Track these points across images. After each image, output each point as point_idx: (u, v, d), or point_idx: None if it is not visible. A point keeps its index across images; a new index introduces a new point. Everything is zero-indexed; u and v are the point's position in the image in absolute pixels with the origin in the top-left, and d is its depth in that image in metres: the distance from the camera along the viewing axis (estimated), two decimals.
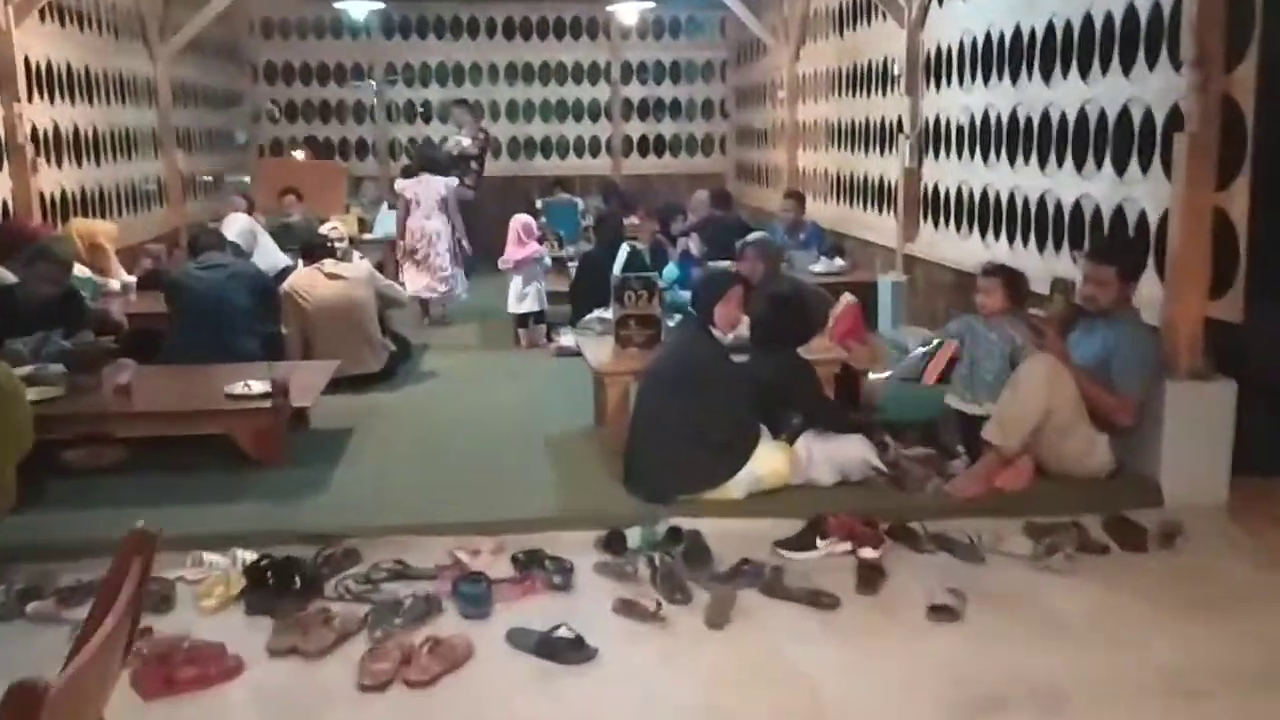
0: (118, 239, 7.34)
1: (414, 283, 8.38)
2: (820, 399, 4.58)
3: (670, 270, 8.41)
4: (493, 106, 12.82)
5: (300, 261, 6.69)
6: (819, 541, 3.95)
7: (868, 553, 3.88)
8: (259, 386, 4.79)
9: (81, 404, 4.68)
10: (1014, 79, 5.93)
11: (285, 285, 6.33)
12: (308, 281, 6.30)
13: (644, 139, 13.16)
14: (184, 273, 6.12)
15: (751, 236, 5.74)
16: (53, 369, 4.90)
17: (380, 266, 10.15)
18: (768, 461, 4.33)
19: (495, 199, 11.81)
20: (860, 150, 8.54)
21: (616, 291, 5.03)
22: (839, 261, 8.28)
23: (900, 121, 7.49)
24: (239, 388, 4.81)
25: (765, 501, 4.30)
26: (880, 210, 8.13)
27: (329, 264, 6.39)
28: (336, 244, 7.17)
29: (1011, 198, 5.97)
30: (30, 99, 6.91)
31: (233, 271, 6.10)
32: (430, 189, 8.49)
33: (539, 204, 11.94)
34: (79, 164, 7.70)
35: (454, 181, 8.84)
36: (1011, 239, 5.99)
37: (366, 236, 10.40)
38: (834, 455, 4.41)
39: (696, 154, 13.31)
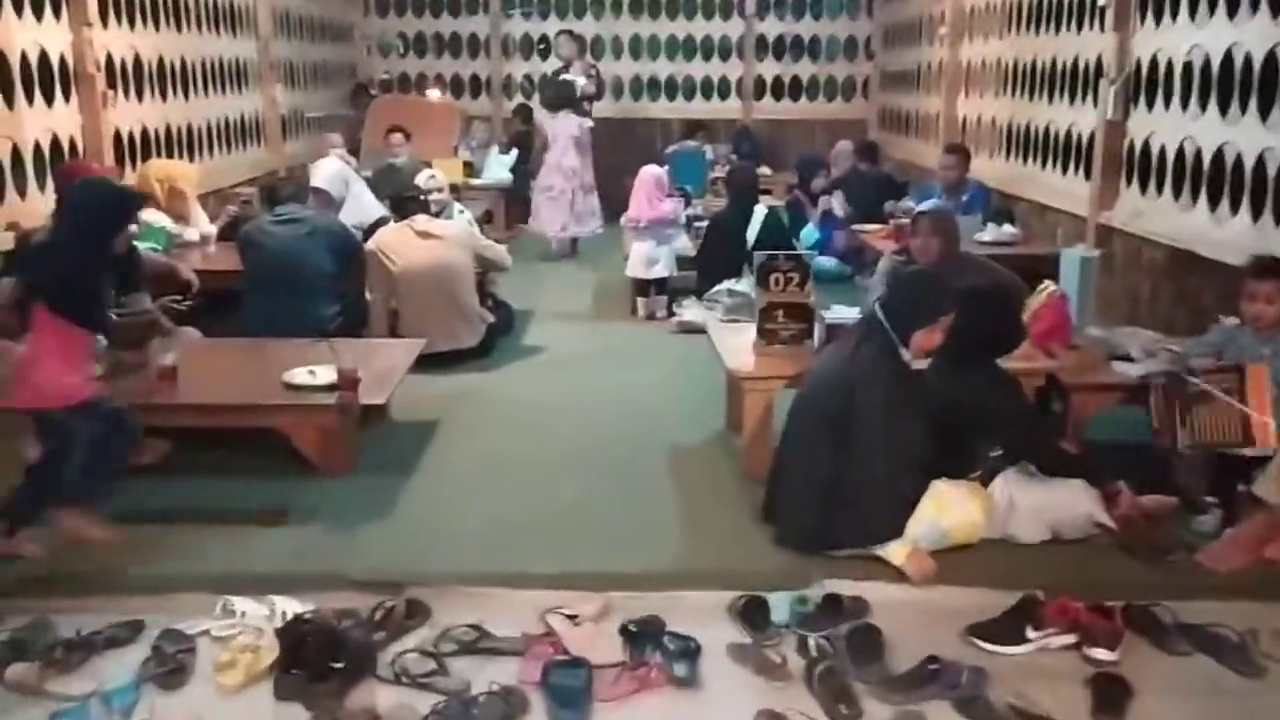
0: (199, 182, 6.62)
1: (548, 220, 8.80)
2: (1027, 427, 3.52)
3: (809, 233, 7.37)
4: (614, 42, 11.80)
5: (394, 214, 5.86)
6: (1030, 632, 2.95)
7: (1101, 654, 2.86)
8: (324, 375, 3.97)
9: (119, 388, 3.91)
10: (1275, 10, 4.67)
11: (371, 243, 5.50)
12: (396, 240, 5.46)
13: (778, 80, 11.97)
14: (257, 227, 5.34)
15: (927, 205, 4.67)
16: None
17: (489, 217, 9.40)
18: (956, 509, 3.32)
19: (609, 145, 10.87)
20: (1042, 97, 7.27)
21: (760, 272, 4.04)
22: (1009, 229, 7.07)
23: (1101, 63, 6.22)
24: (300, 375, 4.00)
25: (952, 563, 3.29)
26: (1066, 169, 6.88)
27: (421, 220, 5.52)
28: (435, 195, 6.29)
29: (1260, 163, 4.75)
30: (105, 23, 6.19)
31: (312, 227, 5.30)
32: (567, 125, 8.70)
33: (670, 150, 10.97)
34: (163, 98, 6.99)
35: (589, 121, 8.88)
36: (1257, 214, 4.77)
37: (474, 182, 9.59)
38: (1044, 505, 3.37)
39: (836, 98, 12.06)
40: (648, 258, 6.42)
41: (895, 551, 3.25)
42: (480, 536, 3.54)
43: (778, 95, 12.01)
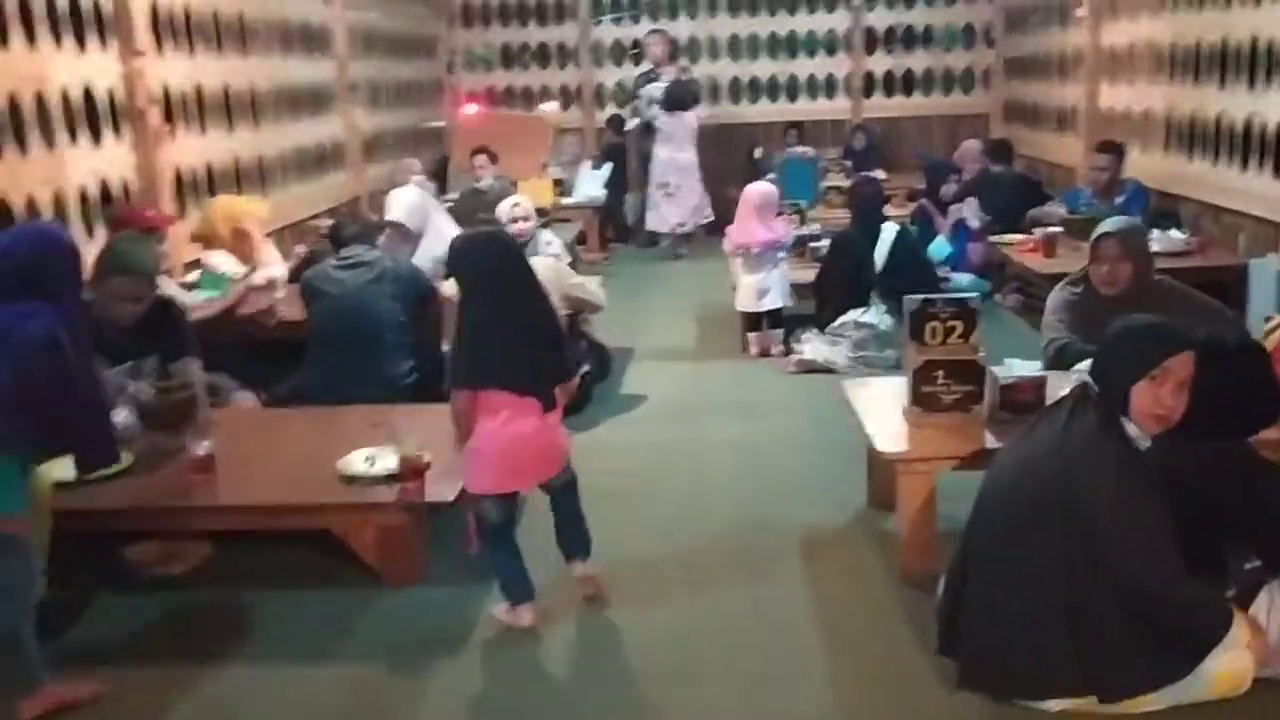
0: (268, 218, 6.07)
1: (664, 218, 9.12)
2: None
3: (939, 246, 6.50)
4: (710, 43, 11.04)
5: None
6: None
7: None
8: (384, 461, 3.31)
9: (148, 484, 3.32)
10: None
11: (445, 287, 4.83)
12: None
13: (889, 75, 11.05)
14: (320, 273, 4.73)
15: (1112, 224, 3.79)
16: (123, 421, 3.58)
17: (582, 238, 8.74)
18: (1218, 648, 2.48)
19: (708, 152, 10.15)
20: (1211, 83, 6.27)
21: (914, 322, 3.24)
22: (1176, 234, 6.11)
23: None
24: (357, 463, 3.35)
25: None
26: (1246, 165, 5.89)
27: None
28: (520, 225, 5.63)
29: None
30: (160, 52, 5.68)
31: (380, 271, 4.67)
32: (683, 121, 9.10)
33: (757, 154, 10.21)
34: (229, 128, 6.48)
35: (704, 112, 9.35)
36: None
37: (565, 201, 8.95)
38: None
39: (954, 91, 11.08)
40: (758, 289, 5.64)
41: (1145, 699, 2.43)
42: (573, 684, 2.82)
43: (889, 91, 11.09)
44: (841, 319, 5.34)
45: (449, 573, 3.35)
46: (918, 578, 3.07)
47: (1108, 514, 2.41)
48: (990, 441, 3.07)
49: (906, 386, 3.25)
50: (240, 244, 5.80)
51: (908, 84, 11.07)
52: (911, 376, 3.19)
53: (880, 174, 9.88)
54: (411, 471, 3.21)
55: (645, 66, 9.98)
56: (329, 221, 7.15)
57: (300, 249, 6.22)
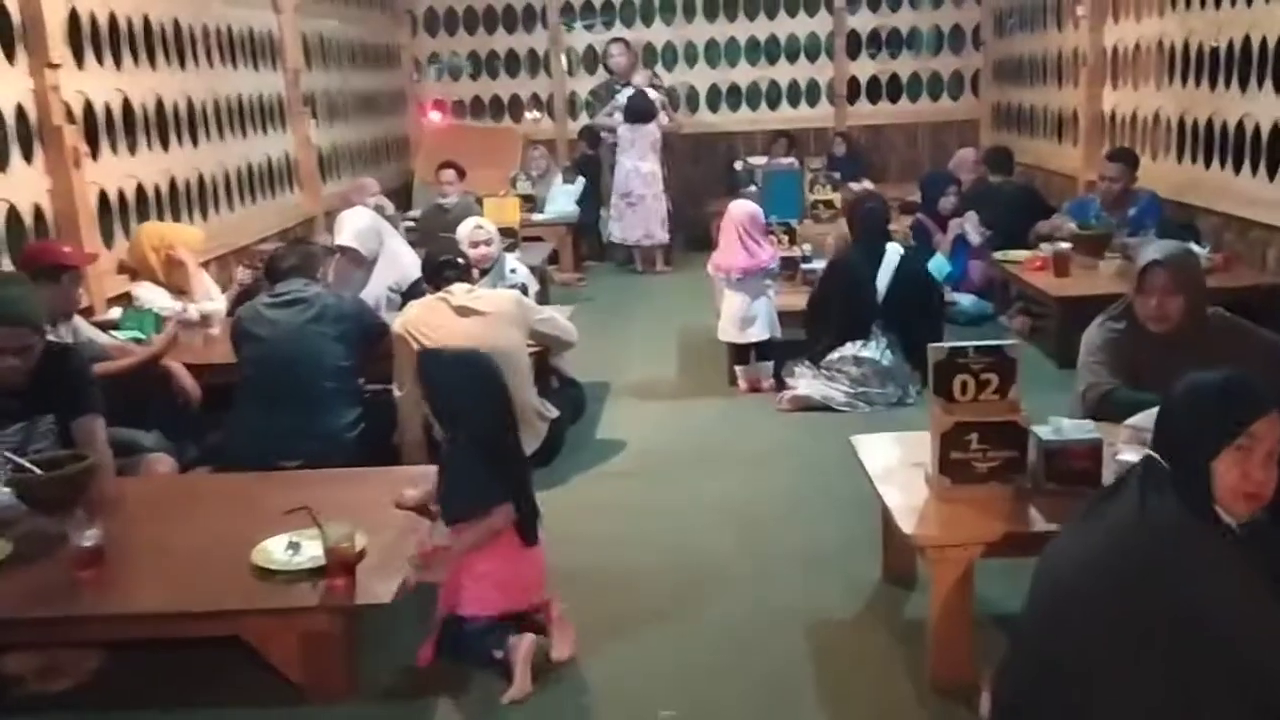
0: (202, 245, 5.49)
1: (627, 229, 8.80)
2: None
3: (939, 264, 5.99)
4: (687, 49, 10.52)
5: (425, 284, 4.64)
6: None
7: None
8: (310, 549, 2.76)
9: (24, 584, 2.74)
10: None
11: (397, 324, 4.29)
12: (428, 319, 4.24)
13: (874, 80, 10.57)
14: (252, 311, 4.17)
15: (1161, 250, 3.26)
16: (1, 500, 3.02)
17: (554, 257, 8.19)
18: None
19: (683, 164, 9.67)
20: (1231, 85, 5.80)
21: (939, 375, 2.71)
22: (1196, 250, 5.60)
23: None
24: (277, 552, 2.78)
25: None
26: (1274, 175, 5.41)
27: (460, 292, 4.30)
28: (482, 251, 5.08)
29: None
30: (80, 64, 5.11)
31: (321, 308, 4.12)
32: (644, 131, 8.74)
33: (737, 165, 9.71)
34: (164, 146, 5.90)
35: (665, 119, 8.93)
36: None
37: (536, 218, 8.40)
38: None
39: (941, 96, 10.61)
40: (742, 316, 5.10)
41: None
42: None
43: (874, 97, 10.61)
44: (839, 352, 4.81)
45: (387, 684, 2.80)
46: (951, 686, 2.55)
47: (1237, 627, 1.88)
48: (1038, 522, 2.54)
49: (932, 451, 2.72)
50: (173, 275, 5.24)
51: (893, 89, 10.59)
52: (939, 441, 2.66)
53: (867, 184, 9.44)
54: (340, 566, 2.65)
55: (606, 77, 9.54)
56: (274, 248, 6.63)
57: (242, 275, 5.62)
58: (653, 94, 8.87)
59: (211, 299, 5.33)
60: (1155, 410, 2.88)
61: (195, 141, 6.26)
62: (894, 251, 4.89)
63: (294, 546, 2.80)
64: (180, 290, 5.21)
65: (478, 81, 10.81)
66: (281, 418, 3.95)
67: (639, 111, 8.87)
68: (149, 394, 4.37)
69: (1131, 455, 2.74)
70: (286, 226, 7.35)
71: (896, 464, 2.96)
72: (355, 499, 3.15)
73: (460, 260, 4.43)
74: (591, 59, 10.66)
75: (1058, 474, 2.64)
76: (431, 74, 10.86)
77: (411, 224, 8.01)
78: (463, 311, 4.23)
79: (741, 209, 5.13)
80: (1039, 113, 8.99)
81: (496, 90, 10.73)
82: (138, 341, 4.52)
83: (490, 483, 2.79)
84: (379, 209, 6.48)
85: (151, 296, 5.13)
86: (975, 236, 6.28)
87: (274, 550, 2.78)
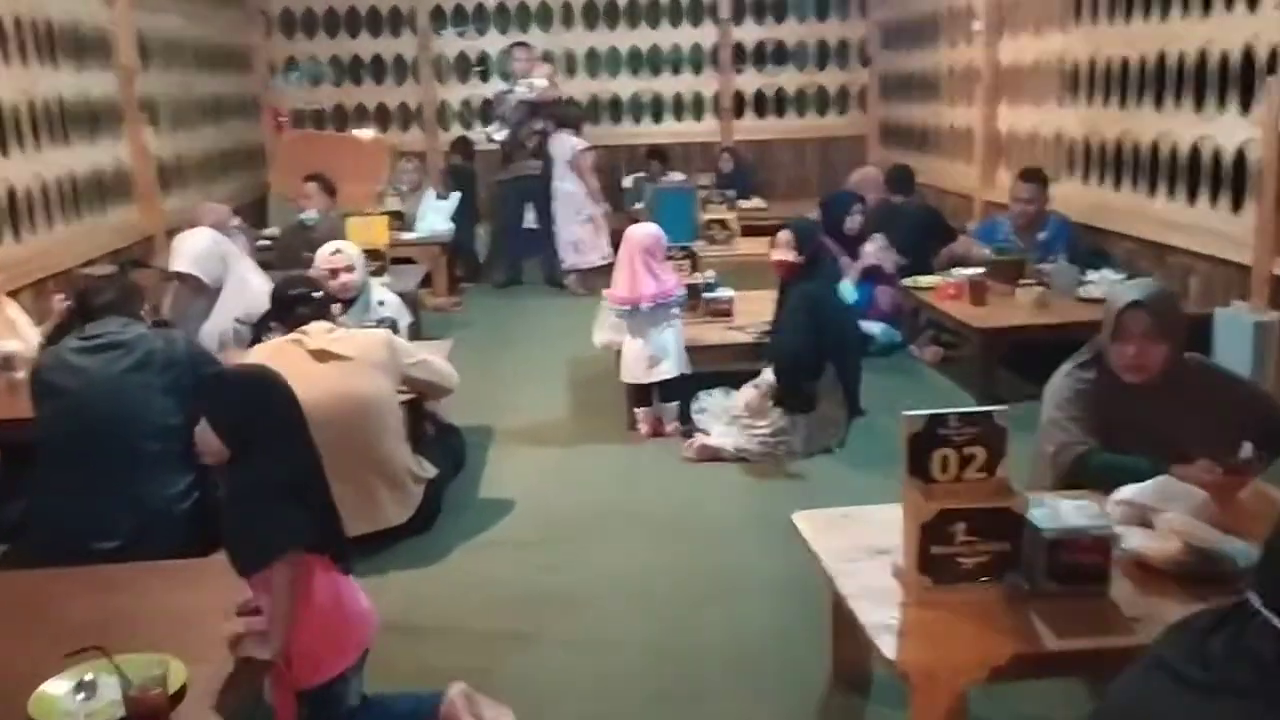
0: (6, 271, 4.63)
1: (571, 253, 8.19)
2: None
3: (846, 291, 5.57)
4: (566, 58, 9.98)
5: (273, 323, 3.94)
6: None
7: None
8: (107, 691, 2.07)
9: None
10: None
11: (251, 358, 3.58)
12: (278, 366, 3.53)
13: (760, 94, 10.21)
14: (55, 360, 3.40)
15: (1140, 289, 2.78)
16: None
17: (427, 279, 7.51)
18: None
19: None
20: (1144, 103, 5.55)
21: (916, 446, 2.20)
22: (1111, 275, 5.34)
23: (1271, 56, 4.52)
24: (64, 700, 2.09)
25: None
26: (1194, 198, 5.16)
27: (317, 333, 3.63)
28: (344, 279, 4.41)
29: None
30: None
31: (144, 354, 3.37)
32: (562, 146, 8.17)
33: (626, 183, 9.21)
34: None
35: (582, 143, 8.26)
36: None
37: (406, 237, 7.70)
38: None
39: (828, 112, 10.32)
40: (649, 355, 4.53)
41: None
42: None
43: (760, 111, 10.26)
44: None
45: None
46: None
47: None
48: (1048, 637, 2.05)
49: (907, 544, 2.21)
50: None
51: (779, 104, 10.25)
52: (918, 533, 2.16)
53: (759, 201, 9.06)
54: (146, 713, 1.98)
55: (498, 84, 8.87)
56: (105, 270, 5.80)
57: (61, 302, 4.78)
58: (542, 84, 8.21)
59: (15, 335, 4.51)
60: (1153, 483, 2.46)
61: (4, 149, 5.39)
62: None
63: (86, 689, 2.10)
64: None
65: (340, 88, 10.04)
66: (93, 489, 3.21)
67: (557, 119, 8.34)
68: None
69: (1137, 540, 2.29)
70: (120, 246, 6.50)
71: (853, 549, 2.45)
72: (180, 604, 2.49)
73: (316, 294, 3.75)
74: (464, 66, 10.01)
75: (1061, 571, 2.16)
76: (290, 79, 10.03)
77: (268, 243, 7.24)
78: (320, 356, 3.56)
79: (642, 233, 4.57)
80: (930, 130, 8.75)
81: (361, 98, 9.98)
82: None
83: (295, 521, 2.25)
84: (239, 233, 5.73)
85: None
86: (888, 264, 5.88)
87: (58, 697, 2.09)
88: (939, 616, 2.13)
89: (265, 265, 6.10)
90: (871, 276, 5.89)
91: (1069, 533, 2.17)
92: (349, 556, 2.42)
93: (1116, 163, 5.85)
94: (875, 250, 5.76)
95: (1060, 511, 2.23)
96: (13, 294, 5.01)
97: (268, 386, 2.42)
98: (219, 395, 2.41)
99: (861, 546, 2.45)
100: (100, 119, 6.53)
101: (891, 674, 2.05)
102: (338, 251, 4.49)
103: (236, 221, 6.41)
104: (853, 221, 5.95)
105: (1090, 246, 5.80)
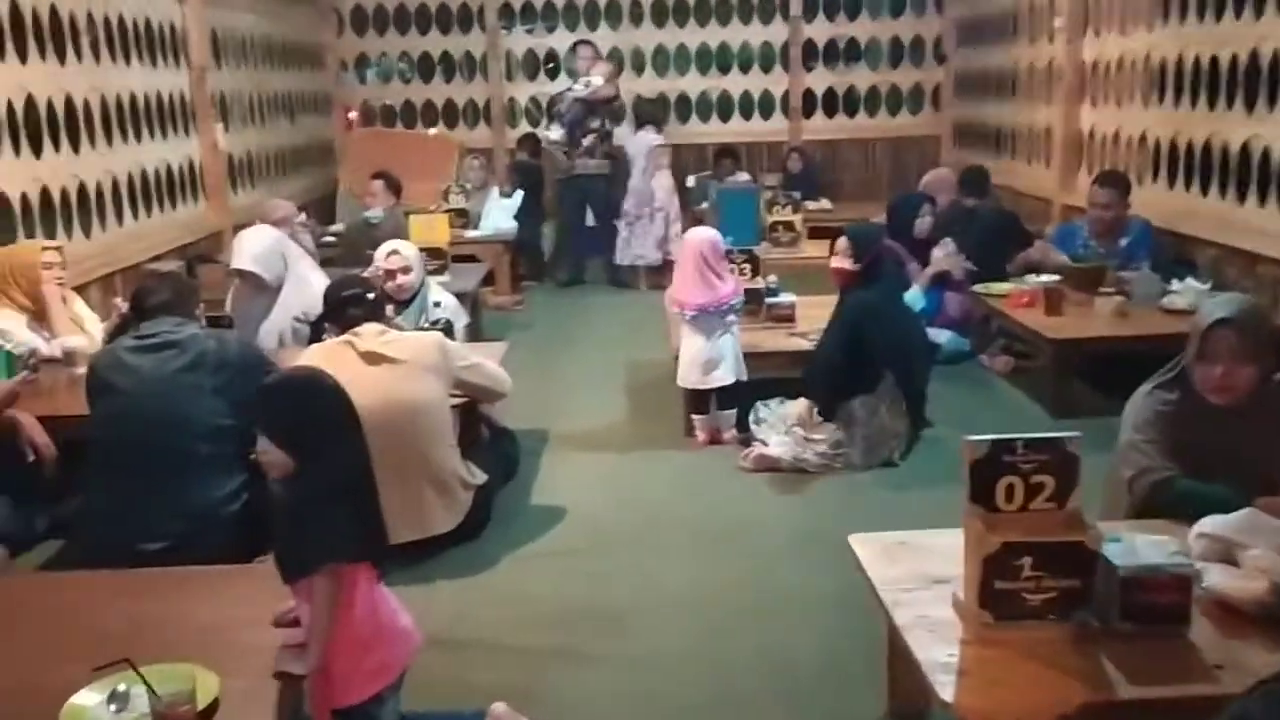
0: (49, 269, 4.54)
1: (622, 251, 8.28)
2: None
3: (914, 297, 5.41)
4: (634, 56, 9.89)
5: (326, 324, 3.91)
6: None
7: None
8: (140, 704, 2.03)
9: None
10: None
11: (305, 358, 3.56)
12: (328, 368, 3.48)
13: (830, 93, 10.02)
14: (109, 359, 3.41)
15: (1227, 306, 2.57)
16: None
17: (490, 278, 7.49)
18: None
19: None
20: (1238, 105, 5.28)
21: (978, 474, 2.07)
22: (1195, 284, 5.09)
23: None
24: (96, 708, 2.05)
25: None
26: None
27: (369, 335, 3.58)
28: (400, 281, 4.37)
29: None
30: None
31: (197, 353, 3.36)
32: (640, 143, 8.28)
33: (689, 182, 9.10)
34: (34, 152, 5.09)
35: (657, 139, 8.37)
36: None
37: (471, 235, 7.69)
38: None
39: (900, 111, 10.09)
40: (705, 359, 4.42)
41: None
42: None
43: (830, 111, 10.06)
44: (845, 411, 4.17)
45: None
46: None
47: None
48: (1120, 684, 1.91)
49: (968, 576, 2.08)
50: (33, 301, 4.46)
51: (850, 103, 10.05)
52: (980, 567, 2.02)
53: (825, 203, 8.89)
54: None
55: (565, 82, 8.80)
56: (172, 265, 5.86)
57: (121, 305, 4.82)
58: (598, 81, 8.18)
59: (82, 331, 4.55)
60: (1239, 515, 2.30)
61: (75, 146, 5.46)
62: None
63: (118, 700, 2.06)
64: (38, 318, 4.44)
65: (409, 85, 10.08)
66: (142, 490, 3.20)
67: (636, 117, 8.49)
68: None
69: (1219, 578, 2.13)
70: (188, 242, 6.58)
71: (911, 578, 2.32)
72: (218, 612, 2.45)
73: (370, 294, 3.71)
74: (532, 64, 9.99)
75: (1136, 610, 2.01)
76: (365, 76, 10.09)
77: (333, 239, 7.28)
78: (371, 358, 3.51)
79: (700, 236, 4.45)
80: (1007, 130, 8.49)
81: (429, 95, 10.00)
82: None
83: (343, 529, 2.17)
84: (304, 231, 5.73)
85: (8, 328, 4.35)
86: (958, 271, 5.69)
87: (89, 708, 2.05)
88: (1001, 656, 2.00)
89: (329, 262, 6.14)
90: (940, 282, 5.70)
91: (1146, 570, 2.02)
92: (387, 565, 2.34)
93: (1204, 166, 5.59)
94: (944, 255, 5.57)
95: (1136, 546, 2.08)
96: (82, 288, 5.08)
97: (317, 389, 2.34)
98: (270, 406, 2.34)
99: (920, 575, 2.33)
100: (171, 116, 6.60)
101: (949, 716, 1.92)
102: (395, 253, 4.45)
103: (301, 219, 6.43)
104: (922, 224, 5.77)
105: (1175, 254, 5.55)
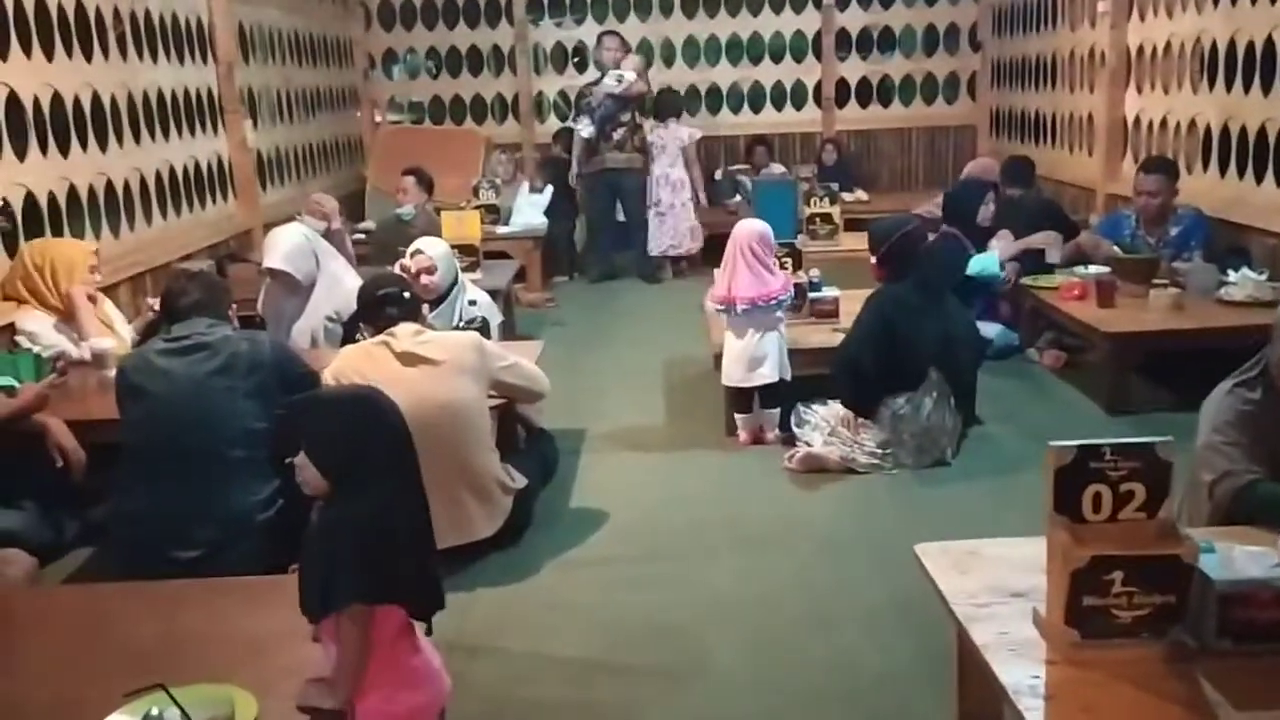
0: (86, 265, 4.47)
1: (654, 240, 8.22)
2: None
3: (987, 261, 5.29)
4: (664, 47, 9.75)
5: (361, 324, 3.80)
6: None
7: None
8: None
9: None
10: None
11: (327, 374, 3.46)
12: (364, 369, 3.41)
13: (864, 82, 9.84)
14: (140, 362, 3.32)
15: None
16: None
17: (520, 274, 7.38)
18: None
19: None
20: None
21: (1064, 480, 1.93)
22: (1251, 275, 4.92)
23: None
24: None
25: None
26: None
27: (404, 335, 3.48)
28: (425, 281, 4.26)
29: None
30: None
31: (229, 355, 3.27)
32: (673, 135, 8.25)
33: (717, 175, 8.98)
34: (61, 151, 5.03)
35: (698, 132, 8.42)
36: None
37: (501, 231, 7.58)
38: None
39: (936, 100, 9.90)
40: (750, 356, 4.29)
41: None
42: None
43: (864, 100, 9.88)
44: (888, 409, 4.03)
45: None
46: None
47: None
48: (1223, 708, 1.77)
49: (1052, 592, 1.94)
50: (69, 303, 4.39)
51: (884, 92, 9.86)
52: (1067, 581, 1.89)
53: (861, 194, 8.74)
54: None
55: (594, 75, 8.66)
56: (201, 265, 5.80)
57: (152, 305, 4.75)
58: (631, 77, 8.04)
59: (112, 332, 4.48)
60: None
61: (103, 144, 5.40)
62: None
63: None
64: (68, 319, 4.37)
65: (437, 81, 9.98)
66: (174, 496, 3.12)
67: (664, 107, 8.41)
68: (19, 459, 3.54)
69: None
70: (218, 240, 6.52)
71: (984, 591, 2.18)
72: (255, 626, 2.35)
73: (406, 293, 3.60)
74: (560, 57, 9.87)
75: (1235, 628, 1.87)
76: (393, 72, 10.00)
77: (363, 237, 7.19)
78: (408, 359, 3.41)
79: (749, 229, 4.30)
80: (1046, 118, 8.29)
81: (457, 90, 9.90)
82: (7, 392, 3.65)
83: (371, 573, 1.96)
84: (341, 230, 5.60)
85: (36, 331, 4.29)
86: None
87: None
88: (1091, 678, 1.86)
89: (361, 260, 6.04)
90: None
91: (1245, 584, 1.87)
92: (431, 615, 2.11)
93: (1259, 153, 5.40)
94: (1005, 246, 5.42)
95: (1234, 558, 1.93)
96: (111, 289, 5.01)
97: (373, 416, 2.08)
98: (317, 421, 2.09)
99: (993, 587, 2.19)
100: (199, 112, 6.53)
101: None
102: (419, 252, 4.34)
103: (332, 207, 6.32)
104: (986, 212, 5.63)
105: (1227, 244, 5.37)
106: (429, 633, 2.12)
